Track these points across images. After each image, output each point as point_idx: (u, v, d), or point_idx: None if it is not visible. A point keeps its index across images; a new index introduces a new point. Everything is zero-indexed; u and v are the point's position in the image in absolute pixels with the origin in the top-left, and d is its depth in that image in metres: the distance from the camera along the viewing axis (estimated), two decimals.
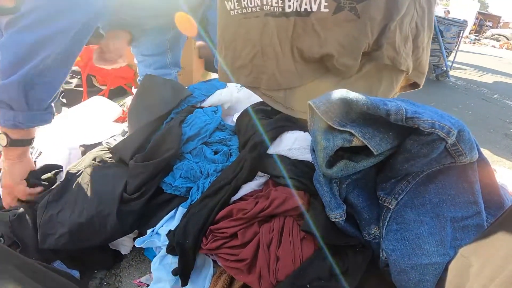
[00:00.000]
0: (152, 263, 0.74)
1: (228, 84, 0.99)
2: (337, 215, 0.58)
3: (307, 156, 0.69)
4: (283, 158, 0.70)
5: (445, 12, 6.23)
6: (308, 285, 0.54)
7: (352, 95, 0.50)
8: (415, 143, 0.50)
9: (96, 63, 1.11)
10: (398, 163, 0.55)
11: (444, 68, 3.30)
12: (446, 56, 3.19)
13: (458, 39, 3.23)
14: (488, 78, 3.76)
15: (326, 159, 0.52)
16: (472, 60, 4.68)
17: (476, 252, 0.48)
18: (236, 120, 0.83)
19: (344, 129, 0.49)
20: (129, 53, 1.37)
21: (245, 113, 0.82)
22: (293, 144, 0.70)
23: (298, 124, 0.71)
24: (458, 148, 0.52)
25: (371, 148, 0.50)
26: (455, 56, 3.47)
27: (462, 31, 3.20)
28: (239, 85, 0.98)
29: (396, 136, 0.53)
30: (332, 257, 0.59)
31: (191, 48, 1.78)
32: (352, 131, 0.49)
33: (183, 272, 0.66)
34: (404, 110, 0.47)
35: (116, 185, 0.74)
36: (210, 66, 1.83)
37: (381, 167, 0.61)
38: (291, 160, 0.70)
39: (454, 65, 3.74)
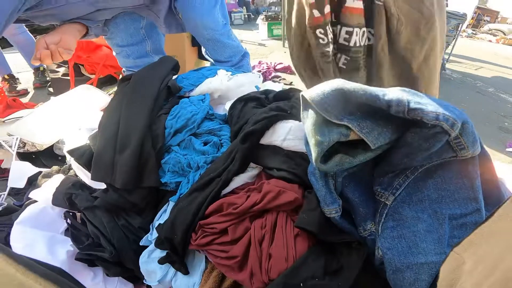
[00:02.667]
0: (140, 256, 0.71)
1: (218, 72, 0.95)
2: (333, 211, 0.55)
3: (301, 148, 0.66)
4: (277, 149, 0.67)
5: None
6: (301, 284, 0.51)
7: (350, 85, 0.47)
8: (416, 136, 0.47)
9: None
10: (397, 157, 0.53)
11: (441, 60, 3.29)
12: (444, 48, 3.18)
13: (456, 32, 3.20)
14: (484, 72, 3.74)
15: (321, 154, 0.49)
16: (469, 53, 4.67)
17: (469, 249, 0.46)
18: (229, 108, 0.79)
19: (341, 122, 0.46)
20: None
21: (237, 101, 0.78)
22: (287, 135, 0.66)
23: (292, 114, 0.68)
24: (461, 141, 0.50)
25: (368, 143, 0.47)
26: (452, 49, 3.45)
27: (461, 25, 3.17)
28: (230, 73, 0.94)
29: (395, 129, 0.50)
30: (327, 254, 0.57)
31: (183, 36, 1.73)
32: (350, 125, 0.46)
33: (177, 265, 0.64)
34: (406, 101, 0.44)
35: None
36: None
37: (379, 160, 0.58)
38: (285, 151, 0.67)
39: (451, 58, 3.72)
